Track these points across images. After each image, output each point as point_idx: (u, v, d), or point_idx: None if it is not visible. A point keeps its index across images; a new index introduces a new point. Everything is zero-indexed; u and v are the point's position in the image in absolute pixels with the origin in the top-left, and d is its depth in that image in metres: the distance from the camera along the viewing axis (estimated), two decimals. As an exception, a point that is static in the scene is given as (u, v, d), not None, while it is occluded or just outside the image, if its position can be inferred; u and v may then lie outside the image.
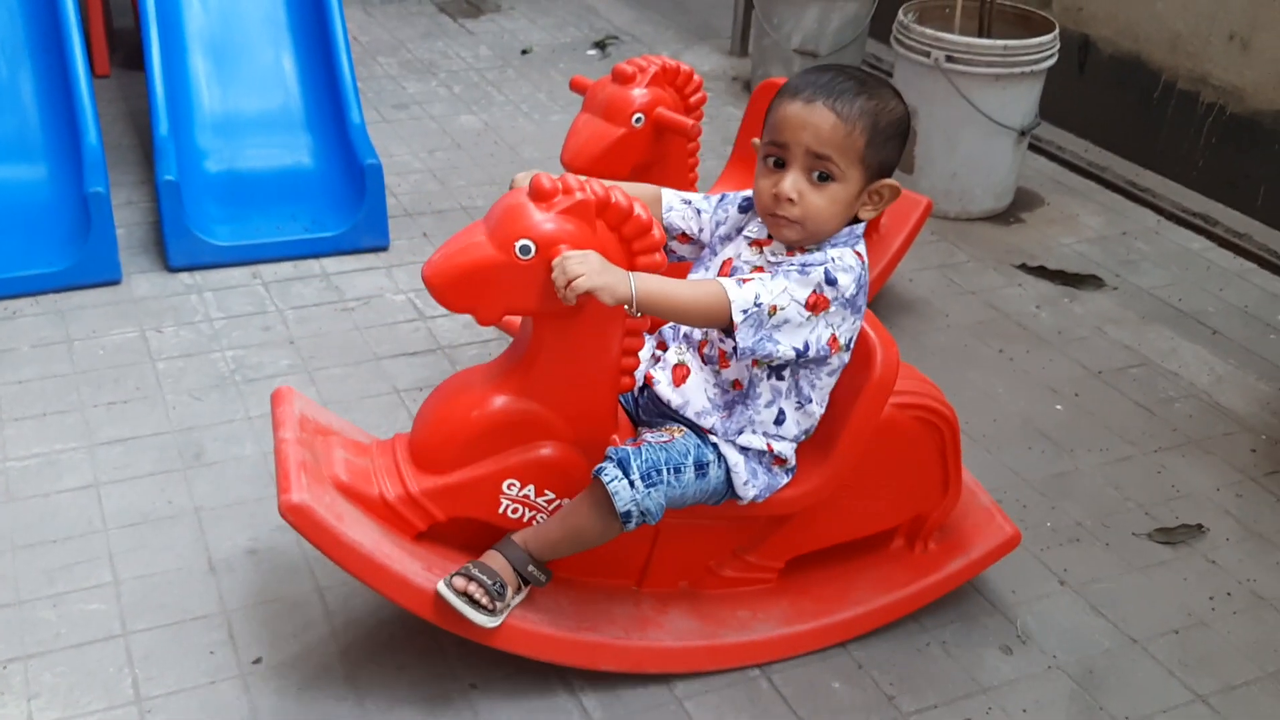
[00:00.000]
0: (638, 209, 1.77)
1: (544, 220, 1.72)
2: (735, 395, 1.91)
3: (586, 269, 1.68)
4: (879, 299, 3.09)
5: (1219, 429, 2.73)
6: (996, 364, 2.94)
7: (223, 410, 2.62)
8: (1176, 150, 3.84)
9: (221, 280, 3.11)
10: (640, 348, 1.89)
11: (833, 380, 1.93)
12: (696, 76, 2.60)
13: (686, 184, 2.69)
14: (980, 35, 3.55)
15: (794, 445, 1.95)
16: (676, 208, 1.99)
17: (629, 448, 1.83)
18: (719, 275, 1.91)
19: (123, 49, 4.41)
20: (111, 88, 4.20)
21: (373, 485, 1.88)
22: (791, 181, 1.81)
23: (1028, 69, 3.46)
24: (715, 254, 1.97)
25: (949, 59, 3.45)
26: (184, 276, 3.12)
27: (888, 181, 1.87)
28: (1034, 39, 3.47)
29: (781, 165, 1.83)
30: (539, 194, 1.73)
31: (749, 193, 1.97)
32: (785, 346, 1.79)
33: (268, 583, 2.16)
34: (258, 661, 2.00)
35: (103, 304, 2.98)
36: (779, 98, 1.85)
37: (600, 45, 4.92)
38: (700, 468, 1.87)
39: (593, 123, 2.48)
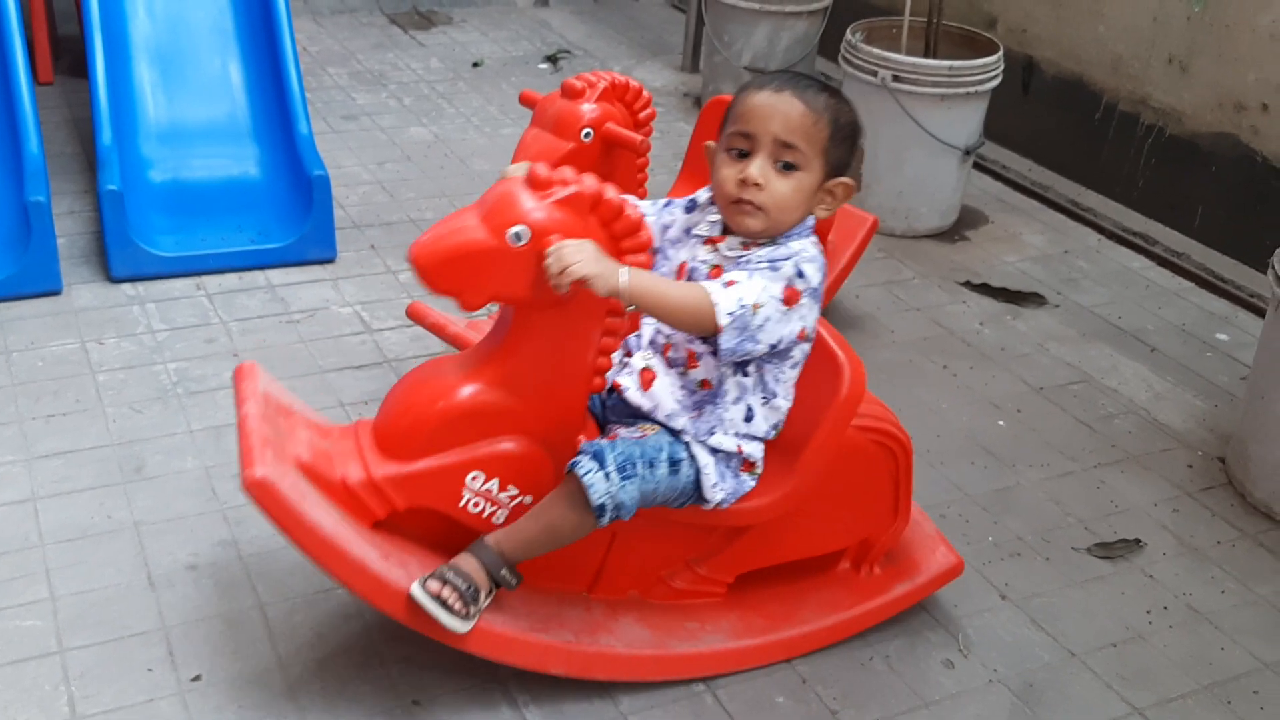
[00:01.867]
0: (629, 207, 1.78)
1: (539, 208, 1.72)
2: (704, 395, 1.91)
3: (582, 257, 1.69)
4: (826, 314, 3.12)
5: (1157, 445, 2.78)
6: (941, 380, 2.97)
7: (164, 423, 2.59)
8: (1117, 170, 3.92)
9: (165, 291, 3.07)
10: (615, 349, 1.89)
11: (795, 373, 1.93)
12: (646, 92, 2.62)
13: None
14: (926, 56, 3.60)
15: (762, 445, 1.95)
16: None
17: (604, 441, 1.85)
18: (677, 280, 1.92)
19: (67, 56, 4.35)
20: (55, 95, 4.14)
21: (334, 468, 1.83)
22: (758, 167, 1.83)
23: (973, 89, 3.52)
24: (667, 258, 1.96)
25: (896, 79, 3.49)
26: (126, 287, 3.08)
27: (843, 180, 1.90)
28: (979, 60, 3.52)
29: (745, 155, 1.85)
30: (536, 182, 1.73)
31: (694, 195, 1.98)
32: (764, 345, 1.81)
33: (208, 599, 2.13)
34: (197, 679, 1.97)
35: (42, 315, 2.94)
36: (743, 93, 1.88)
37: (552, 59, 4.92)
38: (674, 464, 1.88)
39: (542, 137, 2.49)
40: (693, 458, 1.90)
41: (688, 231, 1.96)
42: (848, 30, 3.68)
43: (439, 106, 4.38)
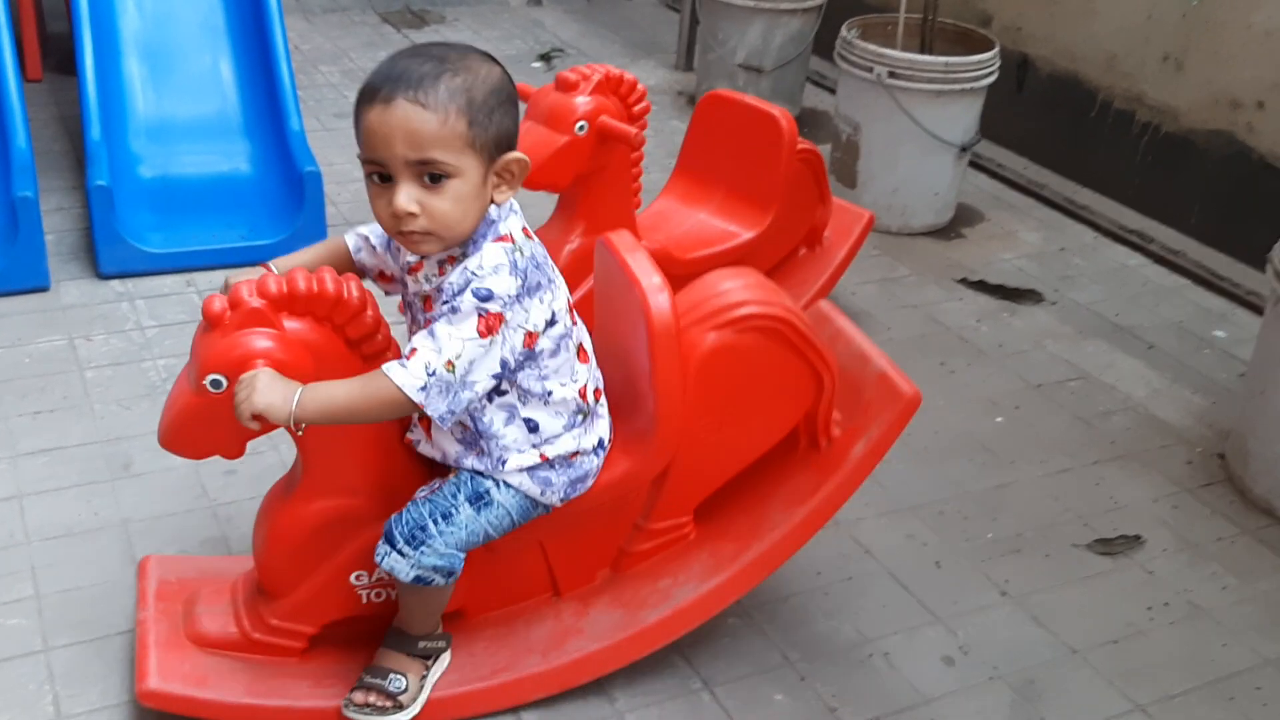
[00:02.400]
0: (326, 284, 1.63)
1: (223, 348, 1.61)
2: (469, 434, 1.77)
3: (249, 391, 1.57)
4: (822, 312, 3.10)
5: (1155, 441, 2.76)
6: (938, 377, 2.95)
7: (152, 420, 2.50)
8: (1113, 168, 3.90)
9: (154, 288, 3.04)
10: (408, 424, 1.79)
11: (562, 357, 1.75)
12: (640, 85, 2.59)
13: (630, 194, 2.68)
14: (922, 52, 3.59)
15: (576, 433, 1.80)
16: (364, 248, 1.84)
17: (394, 515, 1.77)
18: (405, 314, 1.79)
19: (56, 53, 4.32)
20: (44, 92, 4.11)
21: (236, 628, 1.89)
22: (404, 196, 1.60)
23: (968, 86, 3.50)
24: (407, 285, 1.79)
25: (891, 75, 3.47)
26: (115, 284, 3.05)
27: (513, 155, 1.66)
28: (974, 56, 3.51)
29: (387, 179, 1.62)
30: (209, 320, 1.63)
31: None
32: (483, 381, 1.65)
33: (197, 596, 2.10)
34: (185, 677, 1.94)
35: (29, 311, 2.90)
36: (359, 104, 1.63)
37: (545, 58, 4.90)
38: (477, 500, 1.76)
39: (535, 130, 2.46)
40: (503, 483, 1.78)
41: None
42: (843, 27, 3.66)
43: (431, 105, 4.35)
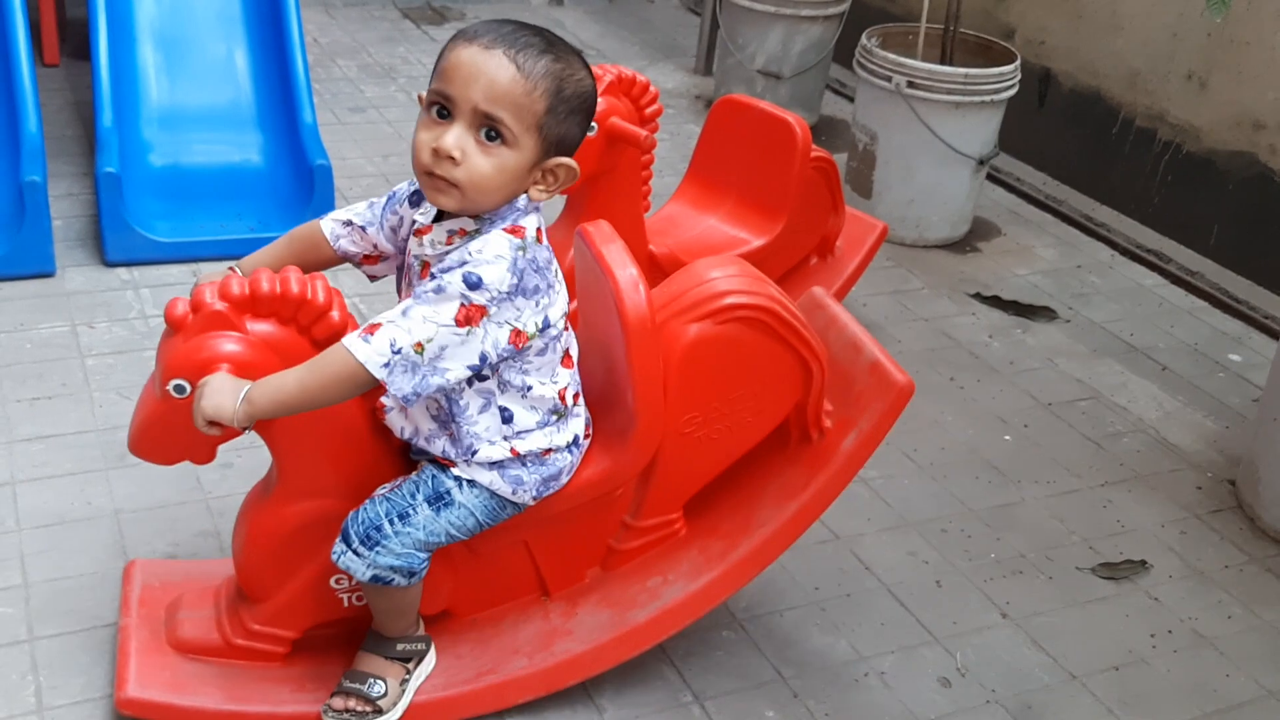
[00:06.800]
0: (290, 285, 1.60)
1: (185, 352, 1.58)
2: (443, 414, 1.70)
3: (202, 399, 1.54)
4: (831, 322, 3.06)
5: (1165, 465, 2.71)
6: (946, 392, 2.91)
7: (151, 410, 2.53)
8: (1132, 186, 3.86)
9: (159, 277, 3.03)
10: (383, 391, 1.70)
11: (551, 356, 1.70)
12: (653, 88, 2.57)
13: (640, 196, 2.65)
14: (942, 63, 3.55)
15: (549, 431, 1.74)
16: (342, 234, 1.77)
17: (352, 513, 1.73)
18: (404, 276, 1.73)
19: (74, 39, 4.31)
20: (59, 77, 4.10)
21: (218, 633, 1.88)
22: (454, 137, 1.54)
23: (988, 98, 3.46)
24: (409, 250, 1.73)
25: (910, 84, 3.44)
26: (120, 271, 3.03)
27: (565, 161, 1.62)
28: (995, 68, 3.47)
29: (446, 116, 1.56)
30: (171, 324, 1.60)
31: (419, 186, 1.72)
32: (456, 370, 1.58)
33: (186, 590, 2.07)
34: (170, 672, 1.92)
35: (33, 296, 2.89)
36: (454, 40, 1.58)
37: (563, 58, 4.87)
38: (436, 501, 1.71)
39: (545, 130, 2.43)
40: (469, 482, 1.72)
41: (413, 223, 1.72)
42: (863, 35, 3.63)
43: (447, 101, 4.33)
